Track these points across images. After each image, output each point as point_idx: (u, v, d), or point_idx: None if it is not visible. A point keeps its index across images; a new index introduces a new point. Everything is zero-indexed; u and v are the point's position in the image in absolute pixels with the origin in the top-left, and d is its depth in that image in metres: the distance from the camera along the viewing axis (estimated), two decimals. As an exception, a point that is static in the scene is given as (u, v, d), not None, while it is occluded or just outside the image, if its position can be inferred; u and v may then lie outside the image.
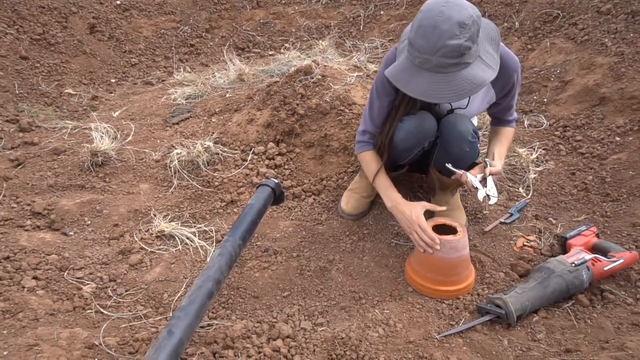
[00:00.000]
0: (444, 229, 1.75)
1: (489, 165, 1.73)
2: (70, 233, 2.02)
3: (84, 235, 2.02)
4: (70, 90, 3.31)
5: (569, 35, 3.08)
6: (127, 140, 2.64)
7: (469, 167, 1.91)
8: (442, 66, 1.45)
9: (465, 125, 1.77)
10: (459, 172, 1.75)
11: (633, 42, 2.75)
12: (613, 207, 2.11)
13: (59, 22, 3.60)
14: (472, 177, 1.71)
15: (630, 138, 2.38)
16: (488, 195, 1.70)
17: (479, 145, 1.86)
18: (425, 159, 1.99)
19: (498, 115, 1.93)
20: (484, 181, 1.71)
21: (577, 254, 1.73)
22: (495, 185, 1.76)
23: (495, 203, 1.67)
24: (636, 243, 1.89)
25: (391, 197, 1.84)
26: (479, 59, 1.50)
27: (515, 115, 1.94)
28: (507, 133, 1.93)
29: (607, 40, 2.85)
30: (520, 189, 2.30)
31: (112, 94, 3.43)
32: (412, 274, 1.78)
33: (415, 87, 1.51)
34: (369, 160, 1.92)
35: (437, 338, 1.56)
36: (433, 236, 1.68)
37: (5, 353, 1.32)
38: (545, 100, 2.86)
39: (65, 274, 1.77)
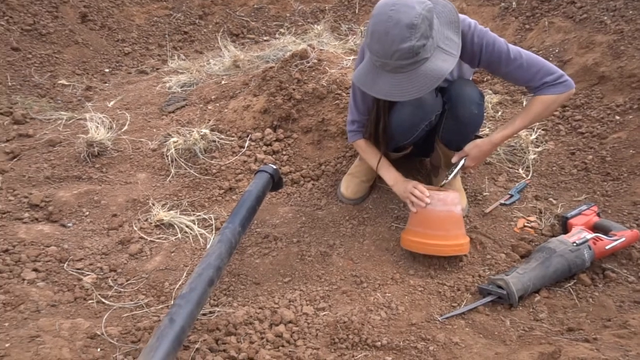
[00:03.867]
0: None
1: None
2: (69, 224, 2.01)
3: (82, 226, 2.01)
4: (63, 81, 3.26)
5: (568, 14, 3.04)
6: (122, 130, 2.61)
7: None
8: (401, 67, 1.50)
9: (473, 87, 1.80)
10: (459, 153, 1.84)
11: (632, 19, 2.71)
12: (613, 186, 2.11)
13: (50, 12, 3.54)
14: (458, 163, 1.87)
15: (630, 116, 2.36)
16: (447, 175, 1.89)
17: (484, 111, 1.86)
18: (429, 139, 1.99)
19: (522, 86, 1.87)
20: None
21: (579, 234, 1.73)
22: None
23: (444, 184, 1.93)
24: (637, 221, 1.89)
25: (392, 176, 1.92)
26: (438, 49, 1.53)
27: (545, 79, 1.67)
28: (531, 103, 1.74)
29: (606, 18, 2.82)
30: (520, 170, 2.29)
31: (107, 84, 3.39)
32: (403, 235, 1.83)
33: (379, 88, 1.57)
34: (366, 148, 1.97)
35: (439, 320, 1.56)
36: (423, 189, 1.78)
37: (7, 345, 1.31)
38: (544, 80, 2.83)
39: (65, 265, 1.76)
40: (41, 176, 2.26)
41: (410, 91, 1.53)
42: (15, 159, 2.39)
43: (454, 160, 1.87)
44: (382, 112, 1.84)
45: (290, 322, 1.54)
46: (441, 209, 1.74)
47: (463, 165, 1.86)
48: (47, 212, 2.05)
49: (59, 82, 3.25)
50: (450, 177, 1.87)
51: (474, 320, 1.56)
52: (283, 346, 1.46)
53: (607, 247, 1.70)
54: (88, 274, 1.74)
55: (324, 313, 1.59)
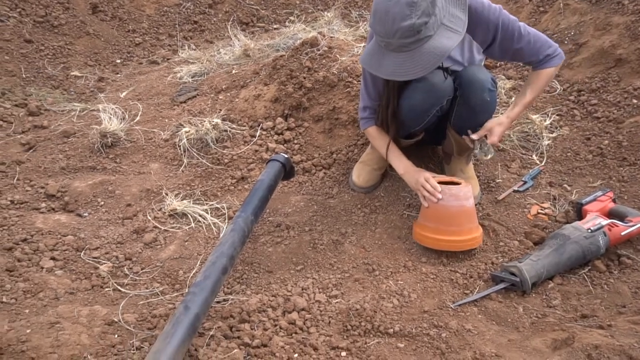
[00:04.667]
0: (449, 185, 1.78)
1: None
2: (85, 214, 2.04)
3: (98, 216, 2.04)
4: (76, 72, 3.29)
5: (584, -5, 2.97)
6: (135, 121, 2.63)
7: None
8: (404, 45, 1.50)
9: (485, 73, 1.78)
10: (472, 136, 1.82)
11: (651, -1, 2.64)
12: (630, 171, 2.07)
13: (61, 4, 3.56)
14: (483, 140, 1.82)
15: (648, 100, 2.31)
16: (485, 153, 1.84)
17: (497, 97, 1.84)
18: (441, 126, 1.97)
19: (521, 61, 1.88)
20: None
21: (594, 220, 1.71)
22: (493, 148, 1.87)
23: (490, 158, 1.90)
24: (654, 207, 1.86)
25: (403, 165, 1.90)
26: (442, 27, 1.52)
27: (546, 52, 1.75)
28: (536, 77, 1.80)
29: (623, -2, 2.74)
30: (534, 156, 2.26)
31: (118, 75, 3.41)
32: (416, 228, 1.81)
33: (385, 69, 1.57)
34: (376, 135, 1.96)
35: (451, 307, 1.56)
36: (435, 184, 1.76)
37: (28, 331, 1.35)
38: (559, 64, 2.77)
39: (82, 254, 1.80)
40: (57, 167, 2.30)
41: (414, 70, 1.53)
42: (31, 150, 2.43)
43: (475, 136, 1.81)
44: (392, 95, 1.83)
45: (303, 309, 1.55)
46: (453, 204, 1.72)
47: (487, 143, 1.81)
48: (63, 202, 2.08)
49: (72, 73, 3.28)
50: (483, 153, 1.83)
51: (486, 307, 1.56)
52: (296, 333, 1.47)
53: (623, 234, 1.68)
54: (104, 263, 1.77)
55: (337, 300, 1.60)
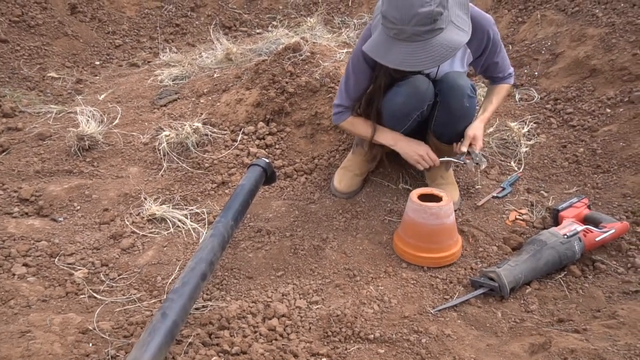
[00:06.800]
0: (430, 199, 1.77)
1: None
2: (60, 219, 1.99)
3: (73, 221, 1.99)
4: (53, 74, 3.22)
5: (560, 7, 3.05)
6: (114, 124, 2.58)
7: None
8: (417, 34, 1.50)
9: (465, 80, 1.81)
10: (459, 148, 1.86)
11: (624, 12, 2.73)
12: (604, 178, 2.12)
13: (38, 3, 3.49)
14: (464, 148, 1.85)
15: (621, 109, 2.38)
16: (477, 164, 1.86)
17: (476, 104, 1.88)
18: (421, 132, 1.99)
19: (489, 75, 1.97)
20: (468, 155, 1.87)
21: (569, 226, 1.74)
22: (484, 156, 1.94)
23: (485, 168, 2.02)
24: (627, 213, 1.91)
25: (391, 135, 1.91)
26: (451, 24, 1.55)
27: (509, 70, 1.95)
28: (499, 89, 1.96)
29: (597, 10, 2.83)
30: (512, 162, 2.30)
31: (97, 77, 3.35)
32: (397, 241, 1.82)
33: (393, 58, 1.56)
34: (355, 122, 1.96)
35: (431, 312, 1.57)
36: (434, 157, 1.86)
37: (-3, 340, 1.30)
38: (536, 73, 2.84)
39: (56, 260, 1.75)
40: (31, 170, 2.24)
41: (425, 60, 1.53)
42: (5, 153, 2.36)
43: (464, 149, 1.83)
44: (377, 96, 1.84)
45: (283, 315, 1.54)
46: (434, 222, 1.71)
47: (477, 153, 1.84)
48: (38, 207, 2.03)
49: (49, 74, 3.21)
50: (476, 163, 1.86)
51: (466, 312, 1.57)
52: (276, 340, 1.46)
53: (597, 239, 1.71)
54: (79, 269, 1.73)
55: (317, 306, 1.59)
